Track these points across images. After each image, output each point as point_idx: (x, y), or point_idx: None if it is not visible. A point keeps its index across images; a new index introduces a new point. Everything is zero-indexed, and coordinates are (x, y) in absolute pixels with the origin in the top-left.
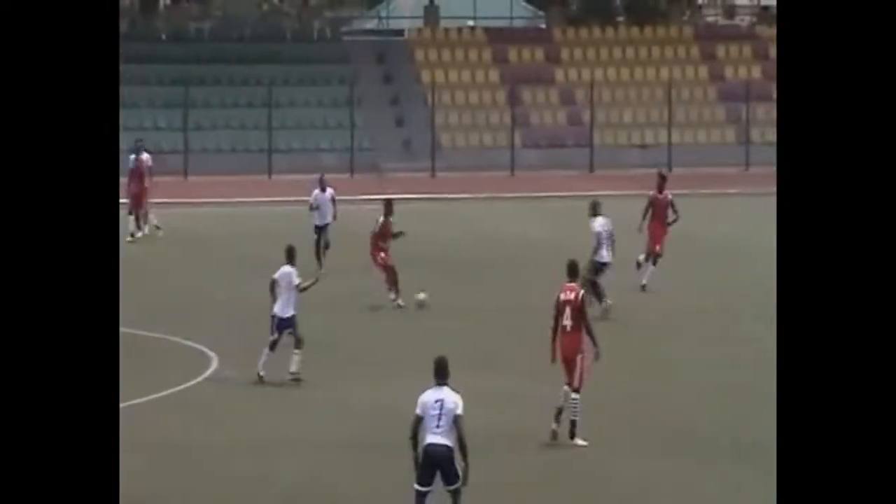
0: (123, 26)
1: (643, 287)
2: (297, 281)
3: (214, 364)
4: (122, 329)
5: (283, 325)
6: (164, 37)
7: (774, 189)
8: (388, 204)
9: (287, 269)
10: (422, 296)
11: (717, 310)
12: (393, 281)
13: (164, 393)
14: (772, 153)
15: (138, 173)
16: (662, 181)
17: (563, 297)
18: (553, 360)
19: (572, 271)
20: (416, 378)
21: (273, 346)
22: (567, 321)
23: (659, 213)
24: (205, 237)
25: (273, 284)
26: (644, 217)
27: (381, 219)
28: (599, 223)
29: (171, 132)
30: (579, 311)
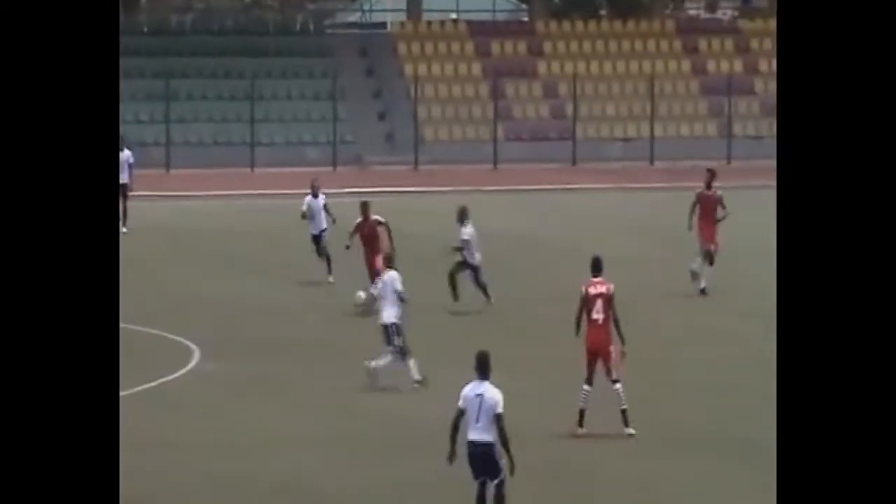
0: None
1: (703, 291)
2: (399, 287)
3: (196, 358)
4: None
5: (387, 331)
6: (145, 29)
7: (757, 182)
8: (363, 206)
9: (392, 274)
10: (362, 295)
11: (712, 307)
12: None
13: (143, 387)
14: (753, 147)
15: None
16: (711, 177)
17: (592, 290)
18: (590, 356)
19: (597, 267)
20: (408, 375)
21: (396, 353)
22: (598, 314)
23: (707, 211)
24: (187, 231)
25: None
26: (692, 215)
27: (358, 220)
28: (470, 231)
29: (153, 125)
30: (610, 303)
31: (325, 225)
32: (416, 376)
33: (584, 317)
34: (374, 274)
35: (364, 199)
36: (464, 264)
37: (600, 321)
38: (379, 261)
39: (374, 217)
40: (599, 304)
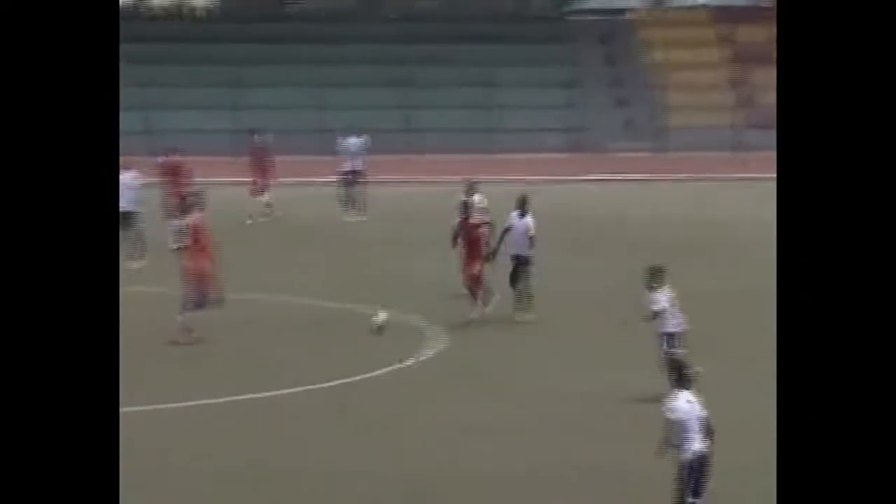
0: (352, 4)
1: None
2: (664, 304)
3: (430, 344)
4: (342, 305)
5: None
6: (390, 16)
7: None
8: (464, 205)
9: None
10: (381, 318)
11: None
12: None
13: (378, 371)
14: None
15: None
16: None
17: None
18: None
19: None
20: (637, 367)
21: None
22: None
23: None
24: (427, 216)
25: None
26: None
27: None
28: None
29: (394, 111)
30: None
31: None
32: None
33: None
34: (472, 283)
35: (464, 197)
36: (515, 258)
37: None
38: (475, 267)
39: (477, 217)
40: None
